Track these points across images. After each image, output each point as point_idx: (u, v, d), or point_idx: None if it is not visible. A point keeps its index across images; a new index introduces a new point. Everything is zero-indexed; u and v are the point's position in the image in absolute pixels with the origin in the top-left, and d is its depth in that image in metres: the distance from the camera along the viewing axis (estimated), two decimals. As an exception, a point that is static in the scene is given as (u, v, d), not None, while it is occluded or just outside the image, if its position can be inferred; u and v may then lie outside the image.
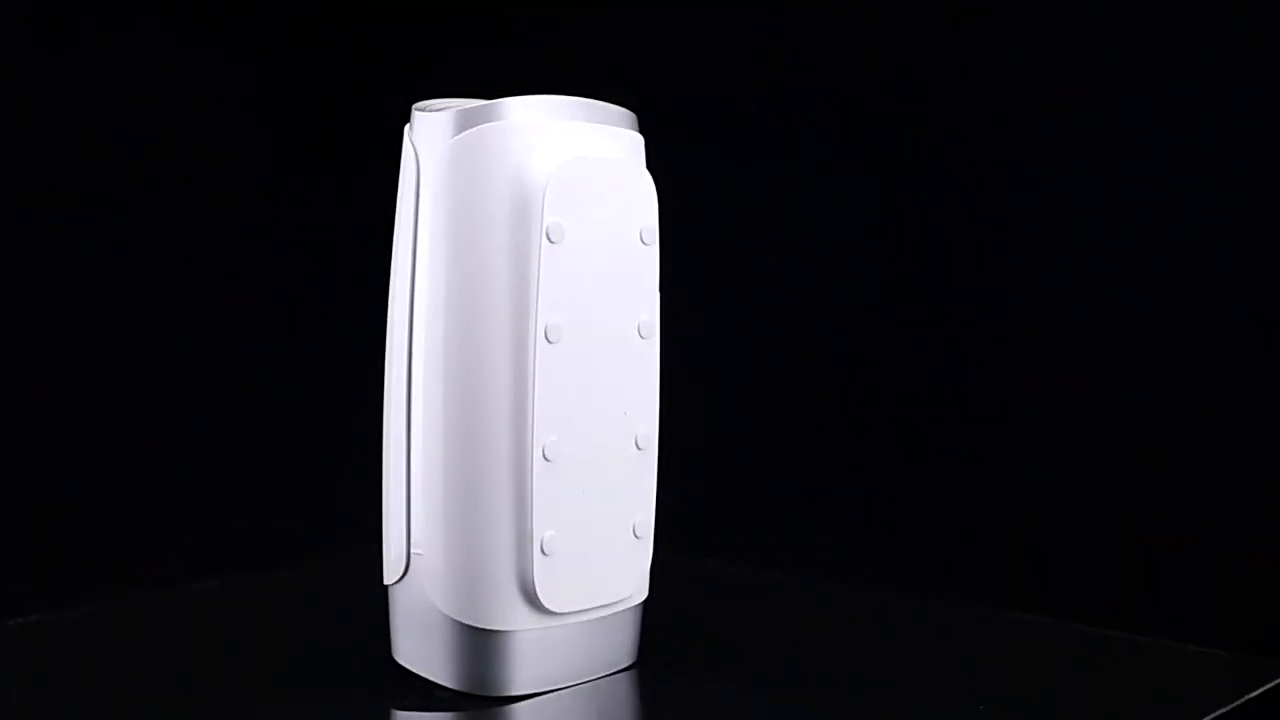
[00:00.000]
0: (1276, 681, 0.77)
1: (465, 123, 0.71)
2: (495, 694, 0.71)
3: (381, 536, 0.73)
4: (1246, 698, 0.75)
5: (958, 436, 0.94)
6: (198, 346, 1.00)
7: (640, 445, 0.76)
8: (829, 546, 0.98)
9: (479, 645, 0.71)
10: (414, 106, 0.73)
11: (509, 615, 0.71)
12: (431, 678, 0.72)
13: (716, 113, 1.01)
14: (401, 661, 0.73)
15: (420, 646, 0.71)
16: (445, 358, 0.71)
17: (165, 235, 0.98)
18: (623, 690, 0.75)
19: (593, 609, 0.74)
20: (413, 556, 0.71)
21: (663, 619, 0.79)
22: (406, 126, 0.73)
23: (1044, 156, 0.90)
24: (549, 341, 0.71)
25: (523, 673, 0.72)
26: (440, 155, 0.71)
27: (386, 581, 0.73)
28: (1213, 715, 0.73)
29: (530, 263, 0.70)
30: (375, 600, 0.74)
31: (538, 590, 0.70)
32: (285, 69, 1.04)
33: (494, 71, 1.01)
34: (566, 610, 0.72)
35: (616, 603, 0.75)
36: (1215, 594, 0.85)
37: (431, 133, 0.72)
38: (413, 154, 0.72)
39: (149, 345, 0.98)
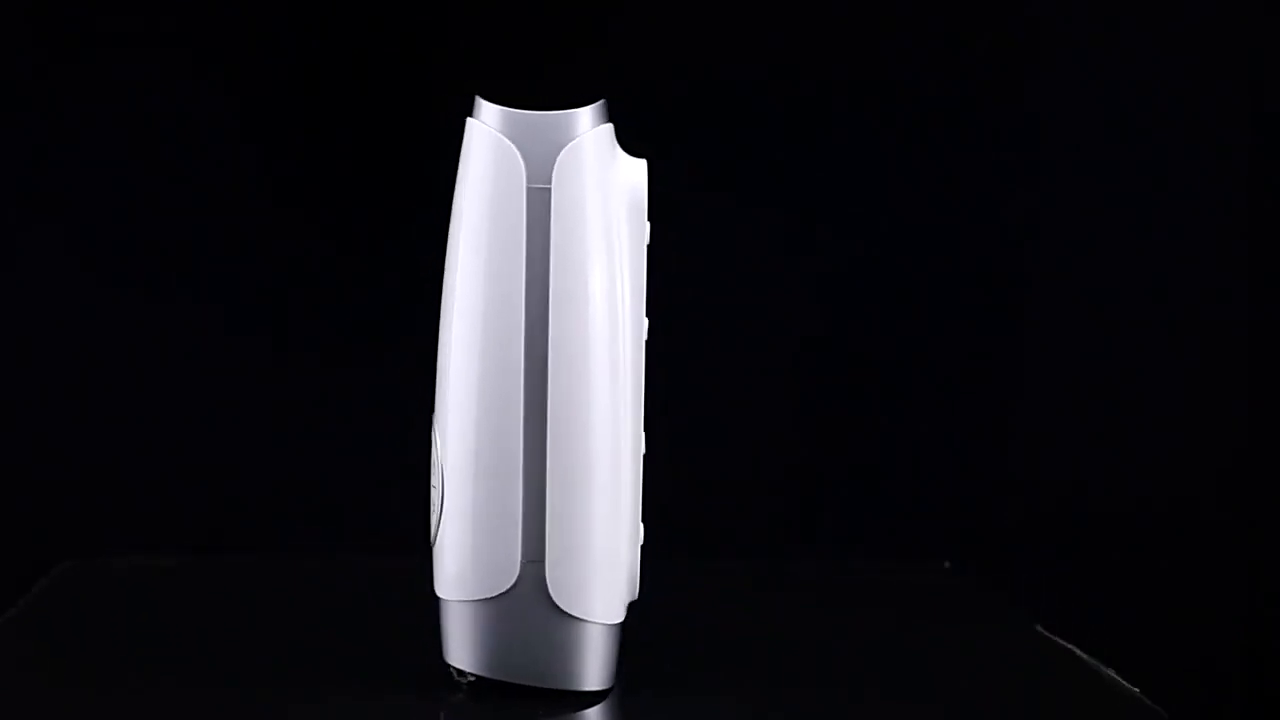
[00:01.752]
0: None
1: (577, 127, 0.72)
2: (595, 689, 0.72)
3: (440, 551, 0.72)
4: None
5: (957, 437, 0.94)
6: (222, 352, 1.00)
7: None
8: (825, 548, 0.98)
9: (597, 643, 0.72)
10: (484, 103, 0.72)
11: (619, 609, 0.73)
12: (542, 684, 0.72)
13: (700, 103, 1.01)
14: (496, 675, 0.72)
15: (532, 655, 0.72)
16: (586, 366, 0.71)
17: (176, 239, 0.98)
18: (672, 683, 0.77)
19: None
20: (526, 566, 0.71)
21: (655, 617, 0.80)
22: (474, 122, 0.71)
23: (1045, 155, 0.90)
24: (645, 342, 0.73)
25: (614, 665, 0.73)
26: (557, 160, 0.71)
27: (480, 595, 0.72)
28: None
29: (642, 268, 0.73)
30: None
31: (638, 582, 0.74)
32: (286, 73, 1.04)
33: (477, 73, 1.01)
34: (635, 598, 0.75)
35: None
36: (1208, 595, 0.85)
37: (538, 135, 0.71)
38: (515, 155, 0.71)
39: (188, 346, 0.98)
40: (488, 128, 0.71)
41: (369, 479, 0.99)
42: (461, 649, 0.72)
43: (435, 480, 0.72)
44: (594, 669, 0.72)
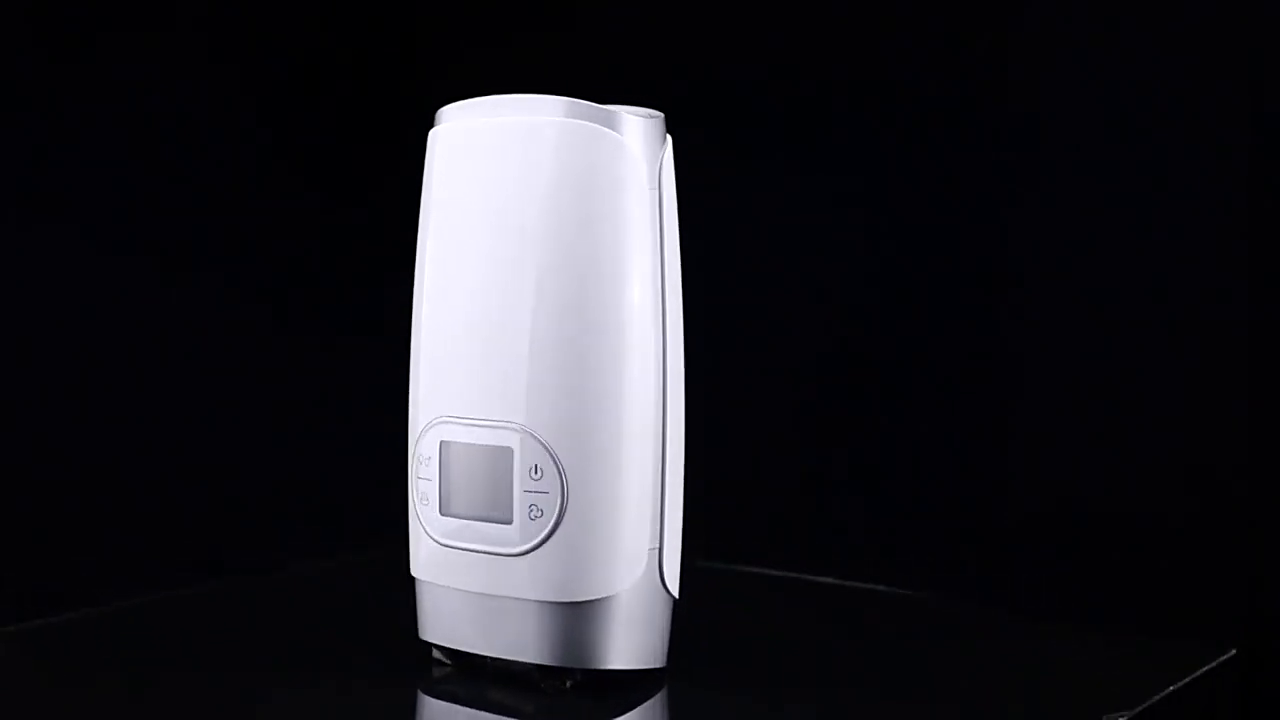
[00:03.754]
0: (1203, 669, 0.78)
1: (662, 130, 0.73)
2: (664, 665, 0.74)
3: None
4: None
5: (957, 437, 0.94)
6: (233, 348, 0.99)
7: None
8: (826, 548, 0.98)
9: (674, 618, 0.74)
10: (572, 100, 0.71)
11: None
12: (654, 665, 0.73)
13: (700, 103, 1.01)
14: (600, 667, 0.72)
15: (647, 639, 0.73)
16: (684, 359, 0.73)
17: (176, 239, 0.98)
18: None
19: None
20: (649, 552, 0.72)
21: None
22: (571, 121, 0.71)
23: (1045, 155, 0.90)
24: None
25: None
26: (662, 162, 0.72)
27: (609, 591, 0.71)
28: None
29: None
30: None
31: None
32: (289, 71, 1.04)
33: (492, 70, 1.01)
34: None
35: None
36: (1208, 595, 0.85)
37: (647, 136, 0.71)
38: (638, 158, 0.71)
39: (196, 344, 0.98)
40: (605, 130, 0.71)
41: (369, 479, 0.99)
42: (579, 649, 0.71)
43: (544, 484, 0.70)
44: (666, 645, 0.74)
